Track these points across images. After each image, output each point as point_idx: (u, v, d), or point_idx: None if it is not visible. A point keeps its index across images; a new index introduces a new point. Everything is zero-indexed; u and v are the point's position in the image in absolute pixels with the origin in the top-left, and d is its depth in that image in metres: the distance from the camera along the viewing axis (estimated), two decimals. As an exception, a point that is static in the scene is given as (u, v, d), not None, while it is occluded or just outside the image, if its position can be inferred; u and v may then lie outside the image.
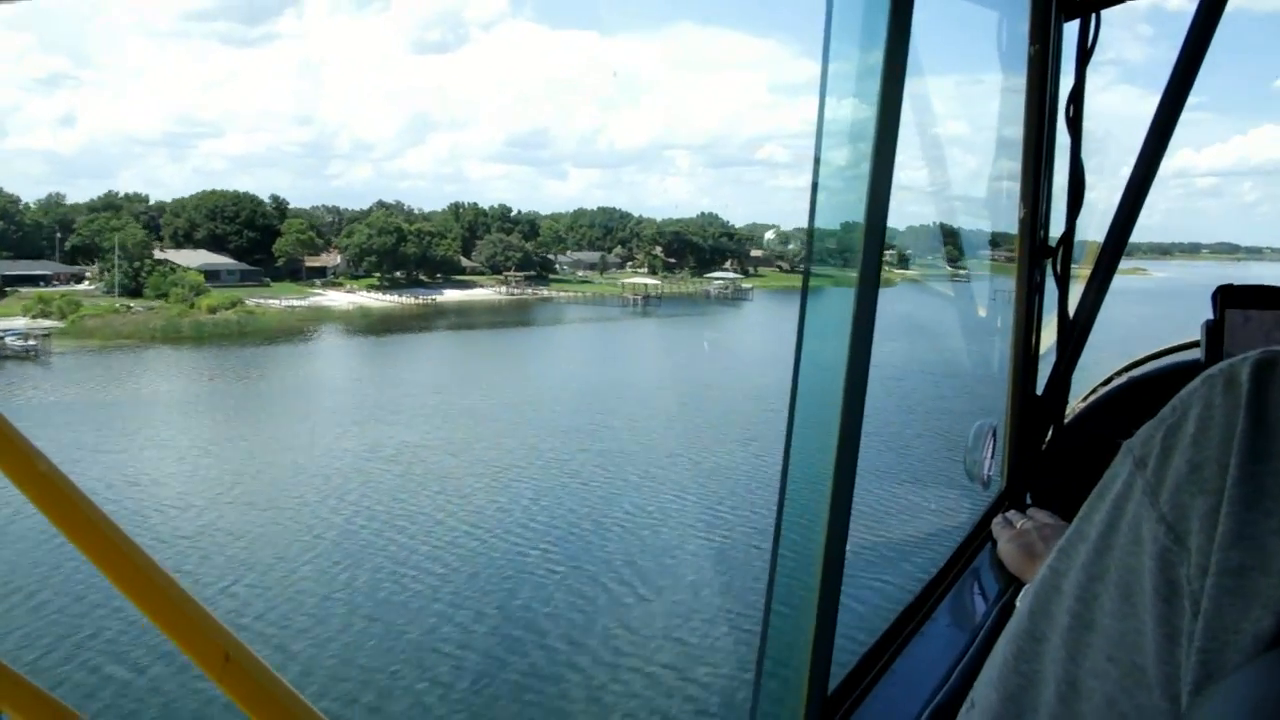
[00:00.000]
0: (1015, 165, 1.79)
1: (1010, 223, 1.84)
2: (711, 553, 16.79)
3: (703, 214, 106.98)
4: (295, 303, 66.18)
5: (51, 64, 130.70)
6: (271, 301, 65.32)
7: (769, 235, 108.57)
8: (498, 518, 19.49)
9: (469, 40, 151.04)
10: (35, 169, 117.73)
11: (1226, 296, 1.30)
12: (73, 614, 13.18)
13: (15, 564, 15.09)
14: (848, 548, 0.90)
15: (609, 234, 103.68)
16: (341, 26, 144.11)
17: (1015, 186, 1.80)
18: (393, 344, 53.16)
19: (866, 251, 0.85)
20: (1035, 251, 1.79)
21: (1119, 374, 2.02)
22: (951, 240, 2.46)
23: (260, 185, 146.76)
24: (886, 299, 0.88)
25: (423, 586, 15.53)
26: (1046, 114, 1.75)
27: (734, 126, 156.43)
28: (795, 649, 0.91)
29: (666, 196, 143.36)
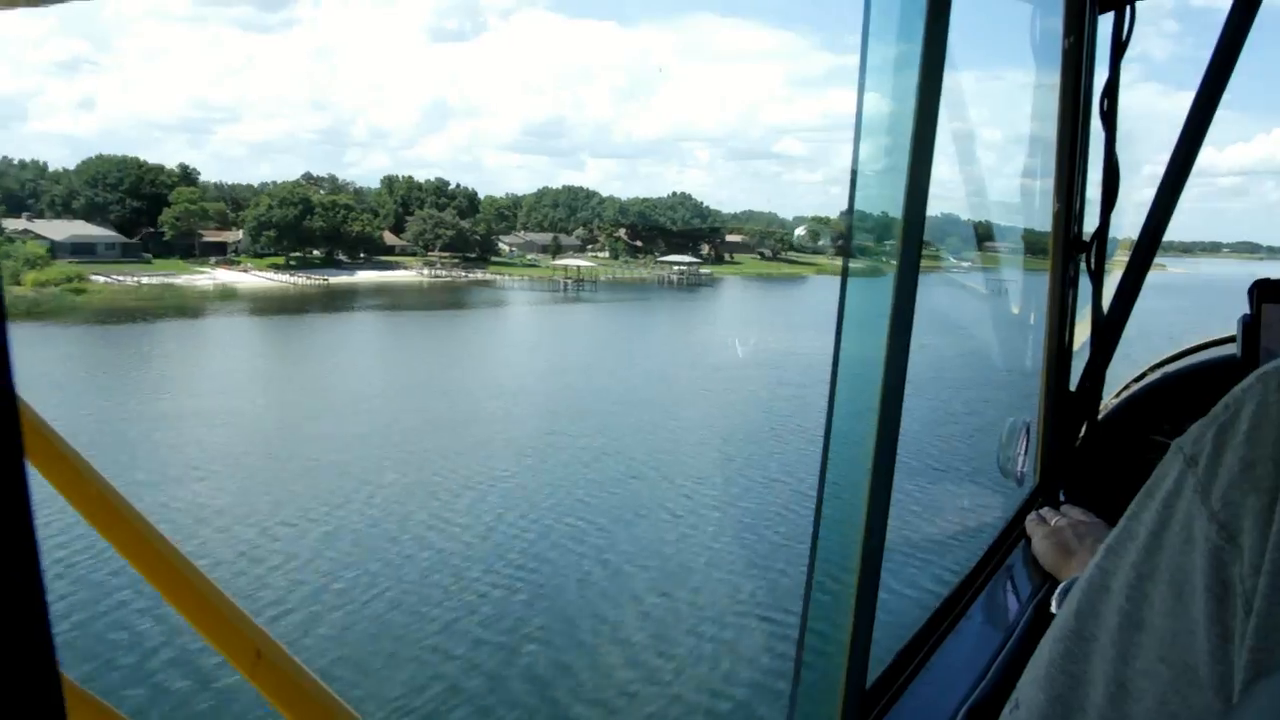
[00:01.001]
0: (1049, 160, 1.77)
1: (1039, 219, 1.82)
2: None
3: (674, 194, 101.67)
4: (147, 280, 58.86)
5: (72, 47, 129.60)
6: (125, 279, 58.28)
7: (799, 231, 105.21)
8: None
9: (486, 28, 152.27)
10: (54, 153, 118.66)
11: (1264, 291, 1.26)
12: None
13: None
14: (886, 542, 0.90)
15: (573, 214, 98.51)
16: (360, 13, 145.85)
17: (1048, 181, 1.78)
18: (209, 331, 44.52)
19: (905, 244, 0.85)
20: (1069, 246, 1.77)
21: (1152, 369, 1.99)
22: (982, 234, 2.42)
23: (279, 172, 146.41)
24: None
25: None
26: (1081, 108, 1.73)
27: (752, 119, 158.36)
28: (833, 643, 0.92)
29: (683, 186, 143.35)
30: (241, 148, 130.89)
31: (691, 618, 11.68)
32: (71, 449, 0.76)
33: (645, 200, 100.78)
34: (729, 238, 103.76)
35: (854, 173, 0.86)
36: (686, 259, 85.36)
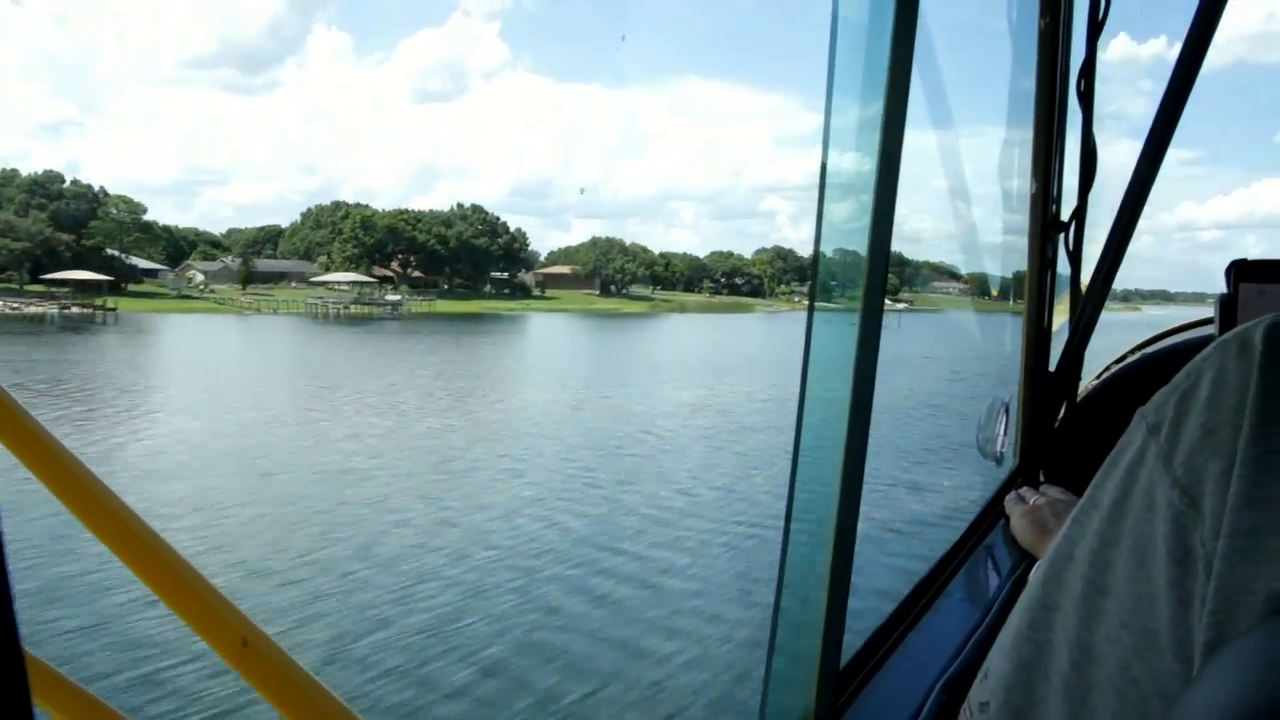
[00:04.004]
0: (1026, 142, 1.77)
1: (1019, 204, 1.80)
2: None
3: (459, 206, 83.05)
4: None
5: (57, 109, 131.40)
6: None
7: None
8: None
9: (470, 89, 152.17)
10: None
11: (1240, 271, 1.28)
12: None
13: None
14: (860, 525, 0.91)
15: (321, 227, 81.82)
16: (343, 75, 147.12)
17: (1025, 163, 1.77)
18: None
19: (870, 281, 0.85)
20: (1047, 227, 1.77)
21: (1133, 351, 2.00)
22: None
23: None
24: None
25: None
26: (1057, 88, 1.72)
27: (738, 178, 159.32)
28: (806, 627, 0.92)
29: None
30: (229, 209, 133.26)
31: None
32: (46, 431, 0.75)
33: (403, 213, 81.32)
34: (552, 269, 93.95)
35: (820, 209, 0.86)
36: (349, 278, 70.99)
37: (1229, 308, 1.28)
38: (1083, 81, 1.67)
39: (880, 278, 0.85)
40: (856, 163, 0.87)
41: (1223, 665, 0.37)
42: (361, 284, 72.66)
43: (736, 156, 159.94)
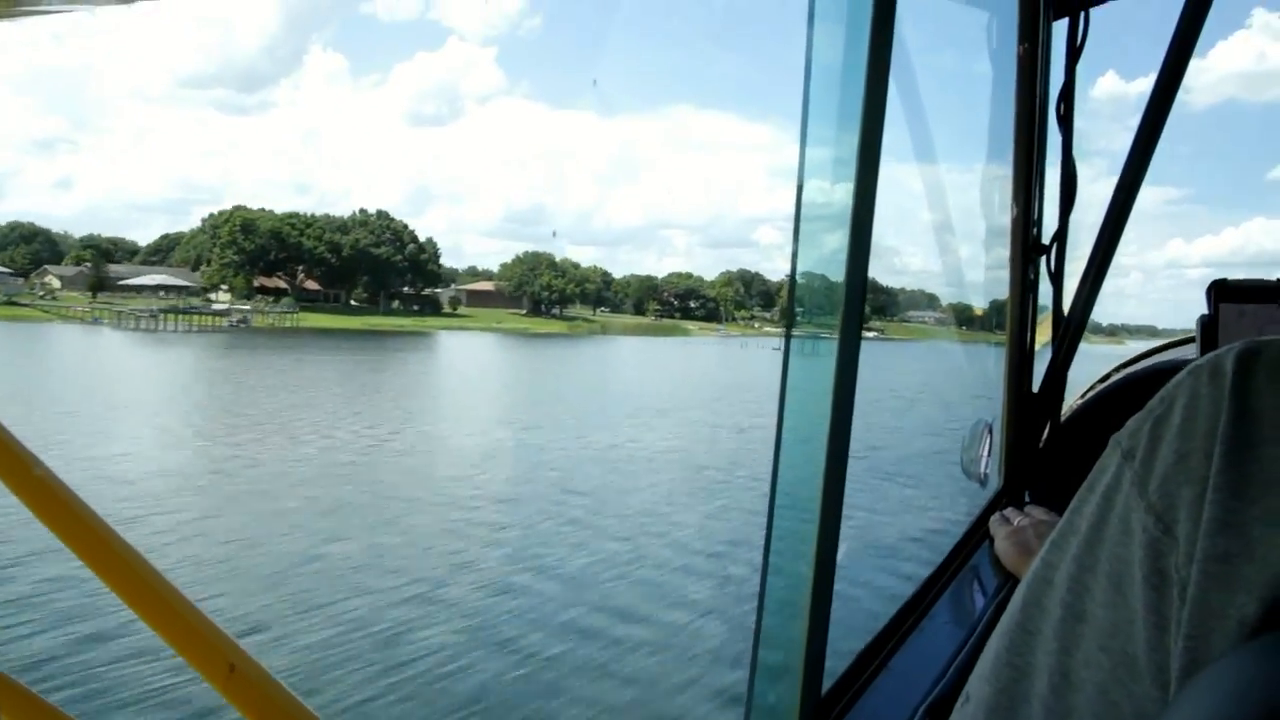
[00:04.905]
0: (1007, 165, 1.79)
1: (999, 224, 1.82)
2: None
3: (361, 210, 72.19)
4: None
5: (50, 126, 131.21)
6: None
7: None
8: None
9: (464, 114, 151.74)
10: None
11: (1220, 292, 1.29)
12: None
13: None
14: (842, 549, 0.91)
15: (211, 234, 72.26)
16: (338, 96, 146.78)
17: (1007, 187, 1.79)
18: None
19: (850, 275, 0.86)
20: (1028, 249, 1.79)
21: (1115, 371, 2.01)
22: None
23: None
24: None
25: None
26: (1037, 112, 1.74)
27: (730, 208, 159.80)
28: (788, 651, 0.92)
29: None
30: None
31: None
32: (25, 448, 0.72)
33: (292, 217, 71.76)
34: (476, 286, 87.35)
35: (795, 237, 0.88)
36: (162, 282, 64.15)
37: (1210, 328, 1.29)
38: (1062, 105, 1.69)
39: (858, 305, 0.87)
40: (833, 192, 0.88)
41: (1198, 691, 0.38)
42: (185, 289, 66.74)
43: (729, 186, 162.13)
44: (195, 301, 68.00)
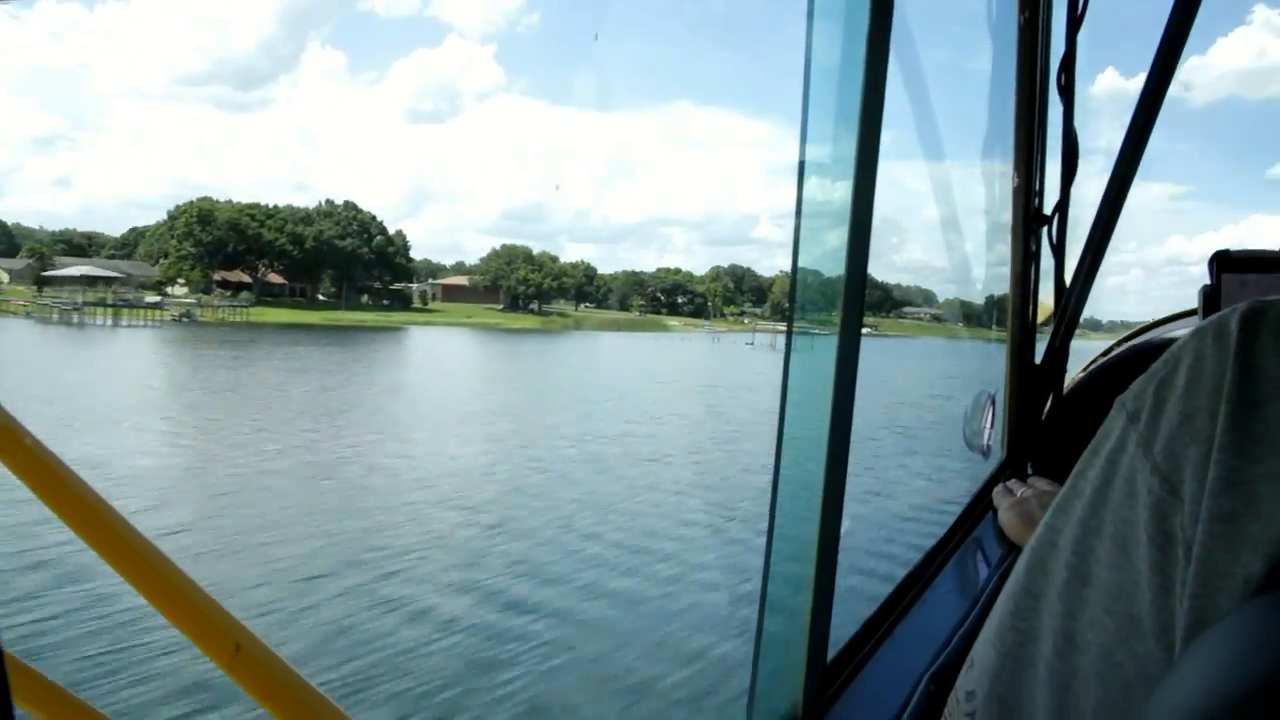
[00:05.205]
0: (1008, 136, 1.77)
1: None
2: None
3: (327, 201, 69.69)
4: None
5: (49, 123, 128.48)
6: None
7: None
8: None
9: (462, 111, 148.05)
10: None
11: (1223, 263, 1.29)
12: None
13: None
14: (845, 522, 0.92)
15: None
16: (336, 93, 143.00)
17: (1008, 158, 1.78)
18: None
19: (849, 270, 0.86)
20: (1030, 220, 1.78)
21: (1119, 344, 2.01)
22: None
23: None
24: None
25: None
26: (1038, 82, 1.73)
27: (730, 205, 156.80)
28: (793, 620, 0.93)
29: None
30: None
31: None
32: (30, 434, 0.72)
33: (252, 208, 68.44)
34: (451, 280, 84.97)
35: (796, 234, 0.89)
36: (107, 274, 60.89)
37: (1212, 298, 1.29)
38: (1063, 75, 1.68)
39: (857, 301, 0.88)
40: (833, 189, 0.89)
41: (1202, 650, 0.38)
42: (117, 280, 64.01)
43: (728, 182, 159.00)
44: (149, 295, 65.15)
